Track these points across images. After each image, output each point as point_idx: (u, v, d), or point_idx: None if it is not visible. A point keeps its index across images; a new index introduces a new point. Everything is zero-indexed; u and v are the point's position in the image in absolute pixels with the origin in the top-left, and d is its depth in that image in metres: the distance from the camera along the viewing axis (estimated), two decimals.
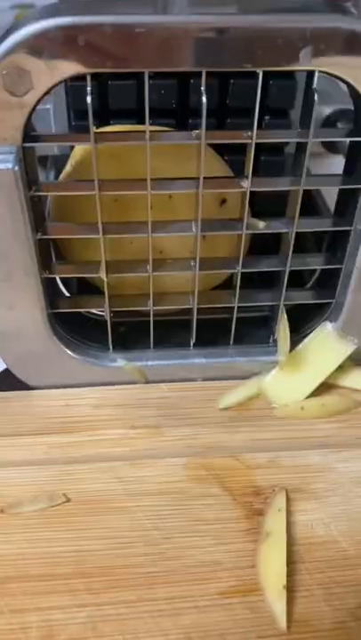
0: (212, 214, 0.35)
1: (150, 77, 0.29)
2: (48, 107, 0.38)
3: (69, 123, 0.40)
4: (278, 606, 0.30)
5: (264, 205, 0.37)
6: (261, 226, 0.35)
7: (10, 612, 0.30)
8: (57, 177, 0.40)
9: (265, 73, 0.28)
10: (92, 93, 0.28)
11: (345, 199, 0.36)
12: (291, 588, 0.31)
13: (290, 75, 0.37)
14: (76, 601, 0.31)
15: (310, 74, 0.30)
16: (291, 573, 0.32)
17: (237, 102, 0.38)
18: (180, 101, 0.37)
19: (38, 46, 0.27)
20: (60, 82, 0.28)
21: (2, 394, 0.41)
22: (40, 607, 0.30)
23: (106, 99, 0.37)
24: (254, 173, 0.33)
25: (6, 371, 0.40)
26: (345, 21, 0.28)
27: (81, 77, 0.28)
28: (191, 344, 0.41)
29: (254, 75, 0.29)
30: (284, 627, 0.30)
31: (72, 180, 0.34)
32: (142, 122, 0.30)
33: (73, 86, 0.36)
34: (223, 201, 0.35)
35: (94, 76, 0.28)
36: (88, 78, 0.28)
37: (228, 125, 0.39)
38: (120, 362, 0.40)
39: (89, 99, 0.28)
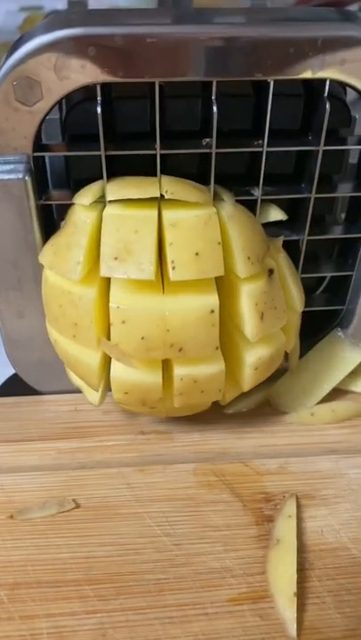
0: (263, 288, 0.32)
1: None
2: None
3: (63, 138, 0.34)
4: (289, 613, 0.30)
5: None
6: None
7: (20, 619, 0.30)
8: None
9: None
10: (100, 104, 0.28)
11: (356, 206, 0.36)
12: (301, 595, 0.31)
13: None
14: (85, 607, 0.31)
15: (321, 82, 0.30)
16: (301, 580, 0.32)
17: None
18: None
19: (49, 57, 0.27)
20: (71, 92, 0.28)
21: (11, 399, 0.41)
22: (50, 613, 0.30)
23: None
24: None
25: (15, 376, 0.40)
26: (356, 30, 0.28)
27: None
28: None
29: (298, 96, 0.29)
30: (295, 634, 0.30)
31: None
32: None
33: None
34: (271, 271, 0.33)
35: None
36: (98, 89, 0.28)
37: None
38: None
39: (99, 109, 0.28)
